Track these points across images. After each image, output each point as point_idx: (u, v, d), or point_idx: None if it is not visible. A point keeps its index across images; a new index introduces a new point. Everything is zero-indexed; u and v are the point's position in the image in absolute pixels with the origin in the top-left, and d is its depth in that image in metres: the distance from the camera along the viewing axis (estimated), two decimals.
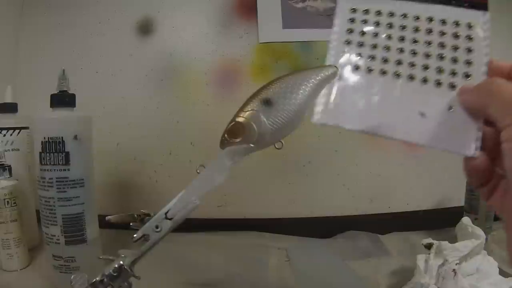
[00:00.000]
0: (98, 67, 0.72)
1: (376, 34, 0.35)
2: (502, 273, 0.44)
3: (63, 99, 0.45)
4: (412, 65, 0.33)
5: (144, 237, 0.34)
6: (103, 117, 0.69)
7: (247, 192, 0.70)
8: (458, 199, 0.64)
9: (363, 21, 0.36)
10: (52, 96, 0.45)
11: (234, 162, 0.36)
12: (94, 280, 0.32)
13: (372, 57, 0.34)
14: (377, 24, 0.36)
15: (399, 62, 0.33)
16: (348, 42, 0.36)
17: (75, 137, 0.44)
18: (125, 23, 0.72)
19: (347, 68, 0.34)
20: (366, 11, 0.36)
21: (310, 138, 0.69)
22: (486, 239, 0.47)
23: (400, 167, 0.71)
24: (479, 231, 0.47)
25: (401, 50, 0.34)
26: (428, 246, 0.47)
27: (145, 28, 0.72)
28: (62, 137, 0.44)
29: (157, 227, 0.34)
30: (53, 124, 0.45)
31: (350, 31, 0.36)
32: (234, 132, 0.36)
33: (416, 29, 0.35)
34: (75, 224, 0.44)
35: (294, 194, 0.70)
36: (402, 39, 0.34)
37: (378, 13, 0.36)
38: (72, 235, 0.44)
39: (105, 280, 0.32)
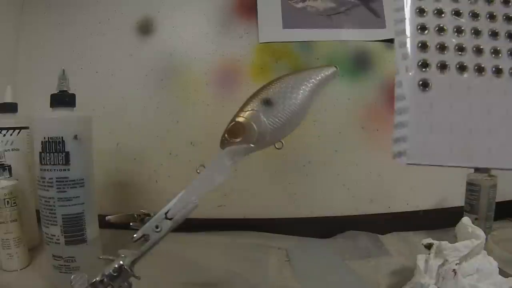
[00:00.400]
0: (98, 67, 0.72)
1: (458, 12, 0.26)
2: (502, 273, 0.44)
3: (63, 99, 0.45)
4: None
5: (144, 237, 0.34)
6: (103, 117, 0.69)
7: (247, 192, 0.70)
8: (458, 199, 0.64)
9: None
10: (52, 96, 0.45)
11: (234, 162, 0.36)
12: (94, 280, 0.32)
13: (460, 48, 0.25)
14: None
15: (496, 52, 0.24)
16: (421, 28, 0.26)
17: (75, 137, 0.44)
18: (125, 23, 0.72)
19: (430, 69, 0.25)
20: None
21: (310, 138, 0.69)
22: (486, 239, 0.47)
23: (400, 167, 0.71)
24: (479, 231, 0.47)
25: (494, 33, 0.25)
26: (428, 246, 0.47)
27: (145, 28, 0.72)
28: (62, 137, 0.44)
29: (157, 227, 0.34)
30: (53, 124, 0.45)
31: (421, 10, 0.26)
32: (234, 132, 0.36)
33: (506, 2, 0.25)
34: (75, 224, 0.44)
35: (294, 194, 0.70)
36: (492, 17, 0.25)
37: None
38: (72, 235, 0.44)
39: (105, 280, 0.32)
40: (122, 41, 0.72)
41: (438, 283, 0.42)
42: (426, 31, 0.26)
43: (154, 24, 0.72)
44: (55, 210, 0.44)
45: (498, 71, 0.25)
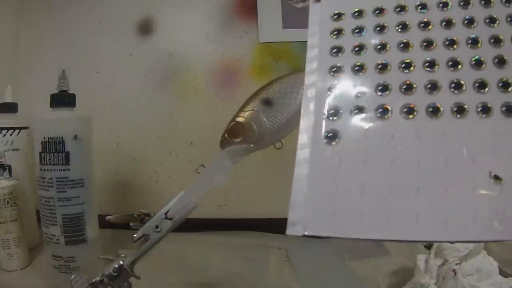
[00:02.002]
0: (98, 67, 0.72)
1: (382, 27, 0.23)
2: (502, 273, 0.44)
3: (63, 99, 0.45)
4: (456, 86, 0.20)
5: (144, 237, 0.34)
6: (103, 117, 0.69)
7: (247, 192, 0.70)
8: None
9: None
10: (52, 96, 0.45)
11: (234, 162, 0.36)
12: (94, 280, 0.32)
13: (383, 87, 0.20)
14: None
15: (432, 86, 0.20)
16: (336, 50, 0.23)
17: (75, 137, 0.44)
18: (125, 23, 0.72)
19: (341, 117, 0.20)
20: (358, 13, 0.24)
21: None
22: None
23: None
24: None
25: (431, 63, 0.21)
26: (428, 246, 0.47)
27: (145, 28, 0.72)
28: (62, 137, 0.44)
29: (157, 227, 0.34)
30: (53, 124, 0.45)
31: (337, 32, 0.24)
32: (234, 132, 0.36)
33: (448, 24, 0.22)
34: (75, 224, 0.44)
35: None
36: (429, 43, 0.21)
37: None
38: (72, 235, 0.44)
39: (105, 280, 0.32)
40: (122, 41, 0.72)
41: (438, 283, 0.42)
42: (341, 73, 0.21)
43: (154, 24, 0.72)
44: (55, 210, 0.44)
45: (434, 110, 0.20)
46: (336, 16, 0.24)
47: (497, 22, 0.22)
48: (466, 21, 0.22)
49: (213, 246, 0.62)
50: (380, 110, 0.20)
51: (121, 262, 0.33)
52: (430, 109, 0.20)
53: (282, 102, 0.36)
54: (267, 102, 0.36)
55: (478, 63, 0.21)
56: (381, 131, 0.20)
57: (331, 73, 0.22)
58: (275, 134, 0.36)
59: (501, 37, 0.21)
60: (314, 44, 0.24)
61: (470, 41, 0.21)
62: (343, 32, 0.24)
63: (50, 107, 0.46)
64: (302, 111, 0.22)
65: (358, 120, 0.20)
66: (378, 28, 0.23)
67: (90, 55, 0.72)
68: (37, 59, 0.73)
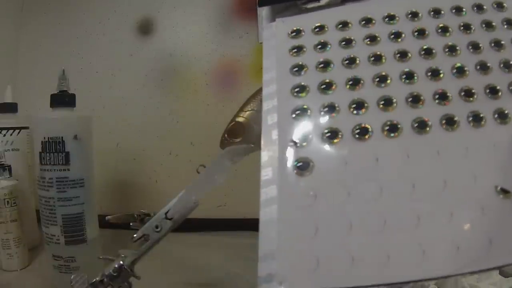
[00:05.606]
0: (98, 67, 0.72)
1: (348, 41, 0.21)
2: (502, 273, 0.44)
3: (63, 99, 0.45)
4: (441, 96, 0.19)
5: (144, 237, 0.34)
6: (103, 117, 0.69)
7: (247, 192, 0.69)
8: None
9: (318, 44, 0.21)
10: (52, 96, 0.45)
11: (234, 162, 0.36)
12: (94, 280, 0.32)
13: (359, 104, 0.19)
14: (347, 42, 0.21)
15: (415, 98, 0.18)
16: (298, 69, 0.20)
17: (75, 137, 0.44)
18: (125, 23, 0.72)
19: (311, 143, 0.18)
20: (320, 28, 0.22)
21: None
22: None
23: None
24: None
25: (410, 75, 0.19)
26: None
27: (145, 28, 0.72)
28: (62, 137, 0.44)
29: (157, 227, 0.34)
30: (53, 124, 0.45)
31: (297, 49, 0.22)
32: (234, 132, 0.36)
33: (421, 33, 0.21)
34: (75, 224, 0.44)
35: None
36: (404, 54, 0.20)
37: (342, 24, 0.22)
38: (72, 235, 0.44)
39: (105, 280, 0.32)
40: (122, 41, 0.72)
41: (438, 282, 0.42)
42: (305, 92, 0.19)
43: (154, 24, 0.72)
44: (55, 210, 0.44)
45: (421, 125, 0.18)
46: (294, 34, 0.23)
47: (473, 28, 0.21)
48: (440, 30, 0.21)
49: (213, 246, 0.62)
50: (358, 130, 0.18)
51: (121, 262, 0.33)
52: (416, 124, 0.18)
53: None
54: None
55: (460, 71, 0.20)
56: (363, 155, 0.17)
57: (294, 94, 0.20)
58: None
59: (480, 43, 0.20)
60: (271, 65, 0.21)
61: (447, 49, 0.20)
62: (304, 49, 0.22)
63: (50, 107, 0.46)
64: (262, 141, 0.18)
65: (332, 145, 0.18)
66: (344, 42, 0.21)
67: (90, 55, 0.72)
68: (37, 59, 0.73)
